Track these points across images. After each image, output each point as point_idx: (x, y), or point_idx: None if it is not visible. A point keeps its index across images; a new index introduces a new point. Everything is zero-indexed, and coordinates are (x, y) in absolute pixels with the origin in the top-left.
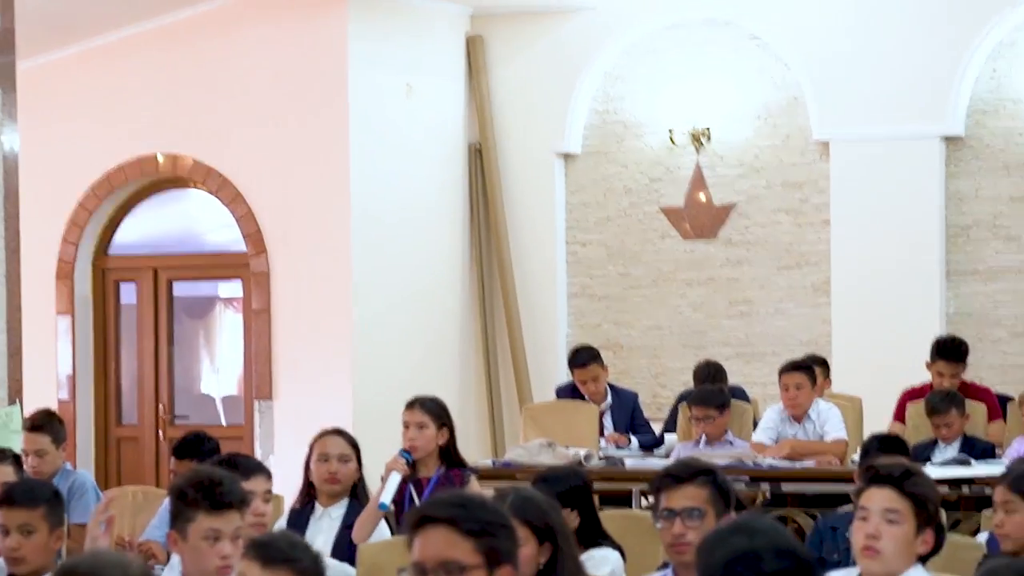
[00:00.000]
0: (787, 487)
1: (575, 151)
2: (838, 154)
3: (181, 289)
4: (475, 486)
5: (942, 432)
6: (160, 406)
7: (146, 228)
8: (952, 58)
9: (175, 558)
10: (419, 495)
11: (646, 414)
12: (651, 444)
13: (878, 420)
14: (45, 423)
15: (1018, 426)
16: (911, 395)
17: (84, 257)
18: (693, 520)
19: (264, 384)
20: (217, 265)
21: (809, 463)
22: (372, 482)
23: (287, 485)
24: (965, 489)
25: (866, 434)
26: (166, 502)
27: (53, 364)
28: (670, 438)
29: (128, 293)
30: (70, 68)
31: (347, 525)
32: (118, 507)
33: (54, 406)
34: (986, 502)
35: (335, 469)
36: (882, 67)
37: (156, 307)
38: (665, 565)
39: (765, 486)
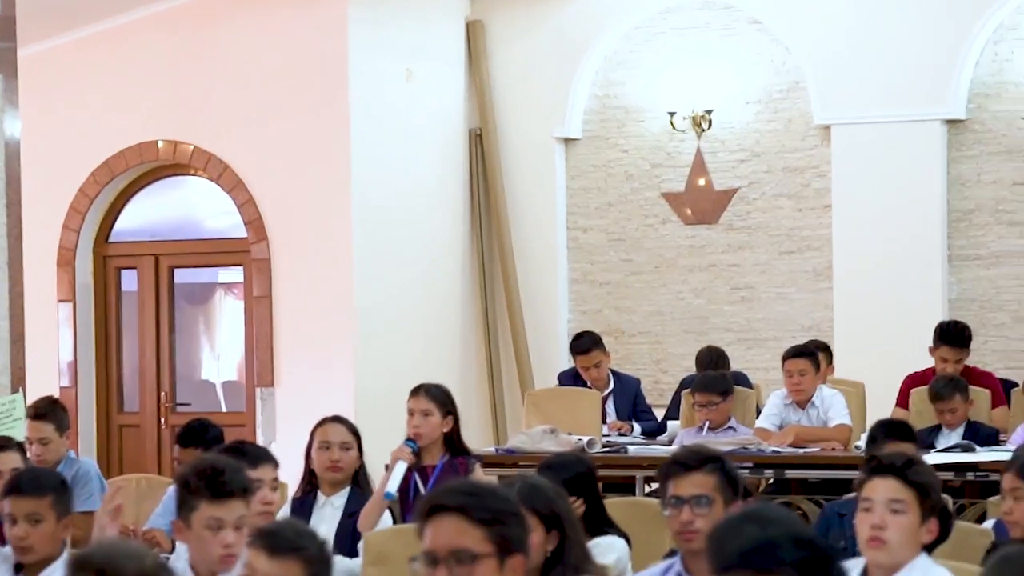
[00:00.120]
0: (791, 473)
1: (576, 136)
2: (839, 138)
3: (180, 276)
4: (479, 474)
5: (946, 418)
6: (162, 393)
7: (147, 215)
8: (953, 41)
9: (181, 546)
10: (424, 483)
11: (648, 400)
12: (653, 431)
13: (881, 406)
14: (48, 411)
15: (1022, 412)
16: (914, 380)
17: (85, 244)
18: (701, 508)
19: (266, 371)
20: (218, 252)
21: (813, 449)
22: (373, 469)
23: (288, 472)
24: (970, 475)
25: (869, 420)
26: (170, 490)
27: (54, 352)
28: (673, 425)
29: (129, 280)
30: (71, 54)
31: (349, 514)
32: (122, 495)
33: (55, 394)
34: (991, 488)
35: (337, 457)
36: (883, 51)
37: (157, 294)
38: (671, 553)
39: (769, 472)
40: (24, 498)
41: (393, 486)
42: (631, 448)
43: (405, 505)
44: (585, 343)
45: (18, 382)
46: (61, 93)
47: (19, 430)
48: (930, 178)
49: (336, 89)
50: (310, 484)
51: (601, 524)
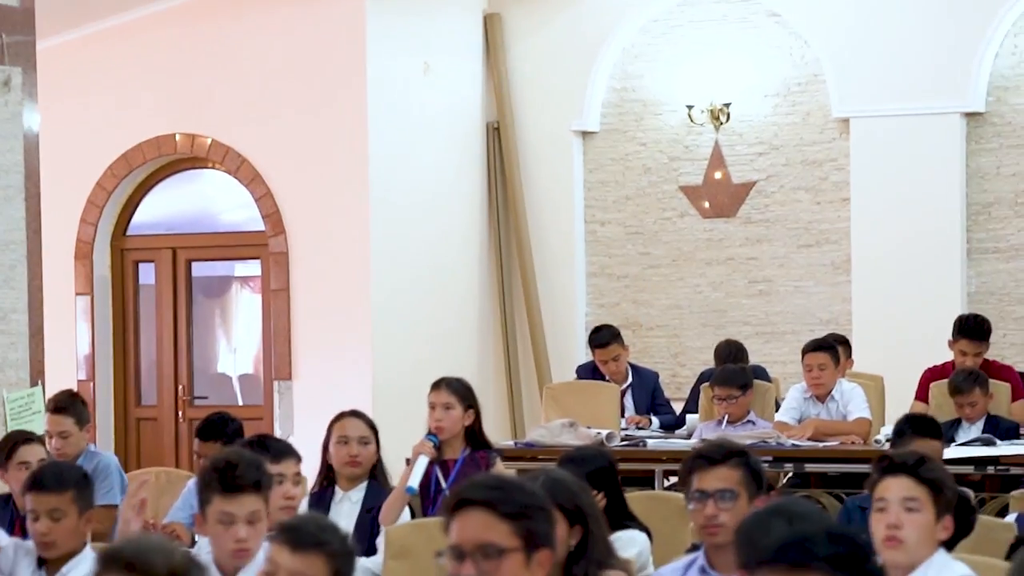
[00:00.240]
0: (810, 467)
1: (593, 129)
2: (858, 131)
3: (196, 269)
4: (501, 468)
5: (966, 412)
6: (179, 386)
7: (164, 208)
8: (972, 34)
9: (203, 540)
10: (445, 477)
11: (666, 394)
12: (672, 424)
13: (899, 399)
14: (68, 405)
15: None
16: (933, 374)
17: (102, 237)
18: (726, 502)
19: (283, 364)
20: (236, 245)
21: (832, 443)
22: (391, 463)
23: (305, 465)
24: (990, 469)
25: (888, 413)
26: (190, 484)
27: (72, 345)
28: (691, 418)
29: (146, 273)
30: (89, 48)
31: (367, 509)
32: (145, 490)
33: (73, 387)
34: (1012, 482)
35: (356, 452)
36: (902, 44)
37: (175, 287)
38: (694, 547)
39: (788, 466)
40: (45, 494)
41: (415, 480)
42: (650, 442)
43: (426, 499)
44: (604, 337)
45: (37, 376)
46: (79, 86)
47: (38, 424)
48: (949, 171)
49: (354, 82)
50: (327, 479)
51: (622, 518)
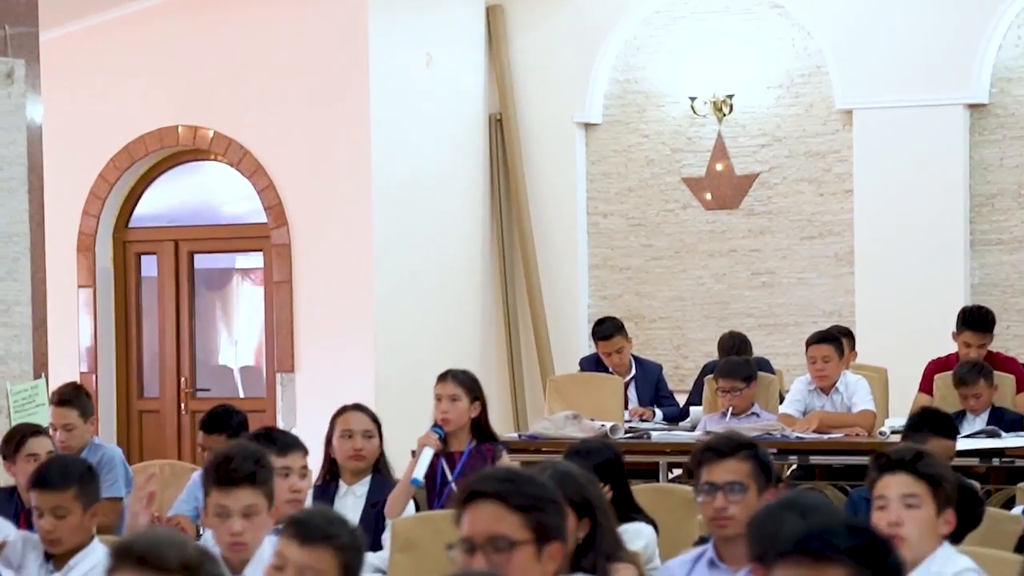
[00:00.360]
0: (815, 459)
1: (596, 121)
2: (861, 123)
3: (198, 261)
4: (507, 460)
5: (970, 403)
6: (181, 379)
7: (166, 200)
8: (976, 25)
9: (209, 533)
10: (451, 469)
11: (668, 386)
12: (675, 416)
13: (903, 391)
14: (72, 397)
15: None
16: (937, 366)
17: (105, 230)
18: (735, 494)
19: (286, 356)
20: (238, 237)
21: (837, 435)
22: (394, 456)
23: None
24: (995, 461)
25: (892, 405)
26: (195, 476)
27: (74, 337)
28: (695, 411)
29: (148, 265)
30: (91, 39)
31: (372, 503)
32: (154, 483)
33: (76, 380)
34: (1017, 474)
35: (360, 446)
36: (905, 35)
37: (177, 279)
38: (702, 540)
39: (793, 458)
40: (48, 492)
41: (420, 472)
42: (654, 434)
43: (432, 492)
44: (607, 329)
45: (40, 368)
46: (81, 78)
47: (42, 416)
48: (952, 162)
49: (356, 74)
50: (330, 472)
51: (628, 510)
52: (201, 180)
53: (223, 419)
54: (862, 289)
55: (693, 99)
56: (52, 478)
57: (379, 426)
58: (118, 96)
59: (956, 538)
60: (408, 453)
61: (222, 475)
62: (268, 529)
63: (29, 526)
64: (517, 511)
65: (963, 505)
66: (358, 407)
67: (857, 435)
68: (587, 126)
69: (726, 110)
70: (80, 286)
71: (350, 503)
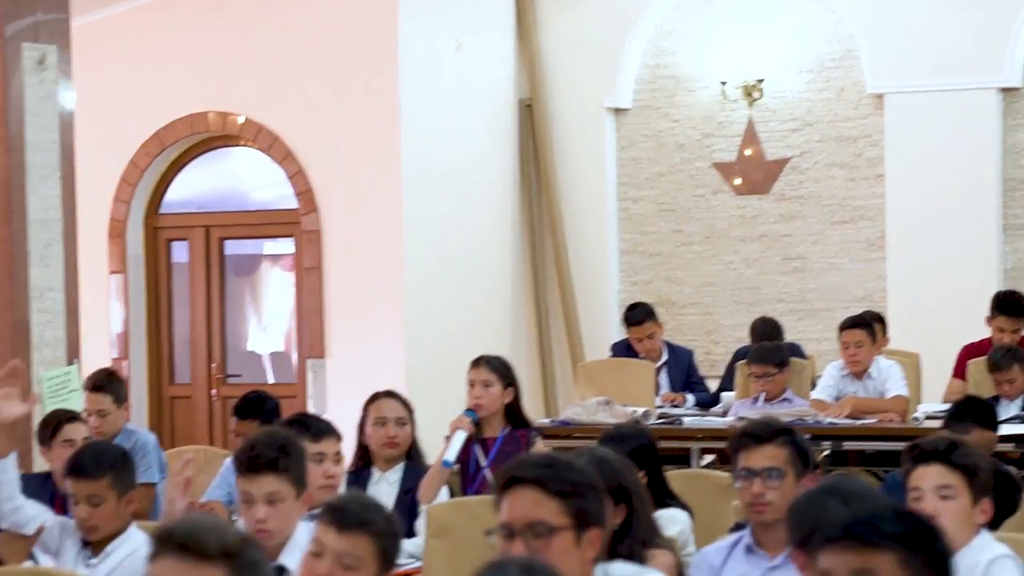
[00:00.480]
0: (848, 445)
1: (626, 106)
2: (892, 107)
3: (229, 247)
4: (541, 446)
5: (1004, 388)
6: (212, 365)
7: (197, 186)
8: (1008, 8)
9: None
10: (484, 455)
11: (700, 371)
12: (707, 402)
13: (936, 377)
14: (106, 383)
15: None
16: (970, 351)
17: (136, 216)
18: (773, 480)
19: (316, 342)
20: (268, 223)
21: (870, 420)
22: (426, 441)
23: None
24: None
25: (924, 391)
26: (227, 462)
27: (106, 323)
28: (727, 396)
29: (179, 252)
30: (121, 26)
31: (405, 489)
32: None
33: (107, 366)
34: None
35: (393, 433)
36: (936, 19)
37: (208, 265)
38: (738, 526)
39: (826, 444)
40: (83, 481)
41: (452, 455)
42: (686, 420)
43: (465, 477)
44: (638, 314)
45: (73, 354)
46: (112, 64)
47: (74, 402)
48: (985, 147)
49: (386, 61)
50: (363, 459)
51: (663, 496)
52: (231, 166)
53: (256, 405)
54: (894, 274)
55: (724, 84)
56: (87, 466)
57: (411, 413)
58: (149, 82)
59: (993, 525)
60: (438, 439)
61: (245, 462)
62: (299, 516)
63: (64, 511)
64: (556, 497)
65: (1000, 492)
66: (391, 394)
67: (890, 421)
68: (617, 111)
69: (756, 95)
70: (111, 272)
71: (383, 490)
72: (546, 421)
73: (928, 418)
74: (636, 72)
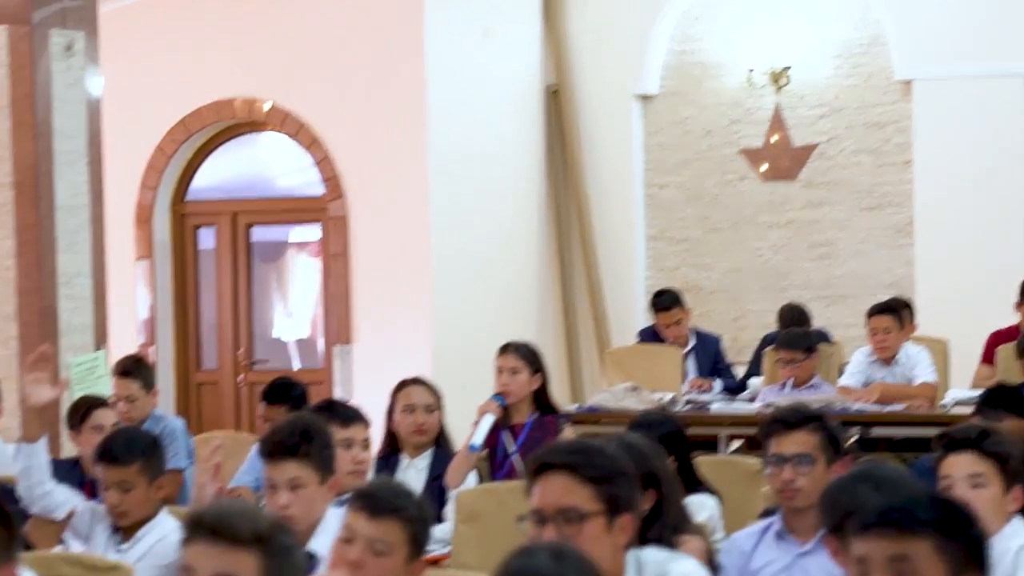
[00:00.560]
0: (876, 431)
1: (653, 92)
2: (920, 93)
3: (255, 234)
4: (569, 432)
5: None
6: (239, 351)
7: (223, 173)
8: None
9: None
10: (513, 441)
11: (727, 358)
12: (734, 388)
13: (964, 363)
14: (134, 369)
15: None
16: (998, 337)
17: (162, 202)
18: (803, 466)
19: (343, 328)
20: (295, 209)
21: (898, 407)
22: (453, 428)
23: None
24: None
25: (953, 377)
26: (254, 448)
27: (132, 310)
28: (754, 382)
29: (206, 238)
30: (148, 12)
31: (433, 476)
32: (220, 454)
33: (135, 352)
34: None
35: (422, 420)
36: (964, 4)
37: (234, 252)
38: (767, 512)
39: (854, 430)
40: (113, 467)
41: (479, 438)
42: (713, 406)
43: (494, 463)
44: (666, 300)
45: (101, 340)
46: (139, 51)
47: (102, 388)
48: (1013, 133)
49: (413, 47)
50: (391, 446)
51: (692, 483)
52: (258, 152)
53: (284, 390)
54: (922, 260)
55: (751, 70)
56: (117, 452)
57: (440, 399)
58: (175, 69)
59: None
60: (465, 426)
61: (267, 448)
62: (324, 502)
63: (93, 496)
64: (588, 483)
65: None
66: (419, 381)
67: (919, 407)
68: (644, 98)
69: (784, 81)
70: (138, 258)
71: (412, 476)
72: (574, 407)
73: (956, 404)
74: (663, 58)
